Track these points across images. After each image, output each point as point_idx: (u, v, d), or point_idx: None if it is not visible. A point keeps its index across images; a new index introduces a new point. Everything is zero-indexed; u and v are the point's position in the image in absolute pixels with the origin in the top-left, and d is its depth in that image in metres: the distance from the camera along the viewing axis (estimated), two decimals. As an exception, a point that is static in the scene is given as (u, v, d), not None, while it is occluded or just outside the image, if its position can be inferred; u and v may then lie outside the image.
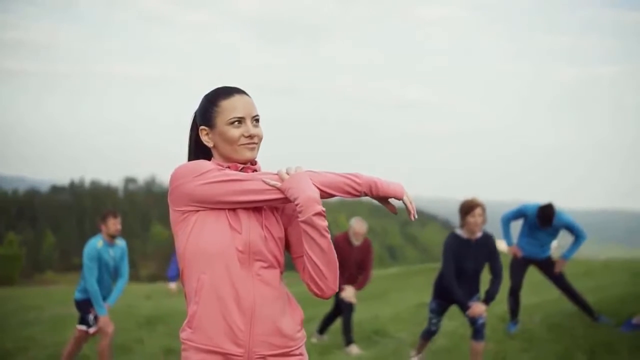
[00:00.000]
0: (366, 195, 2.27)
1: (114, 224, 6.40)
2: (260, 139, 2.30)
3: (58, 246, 61.48)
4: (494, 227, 7.39)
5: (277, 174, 2.22)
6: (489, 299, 5.64)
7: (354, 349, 7.37)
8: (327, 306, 8.03)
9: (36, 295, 16.87)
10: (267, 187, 2.19)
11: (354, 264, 7.48)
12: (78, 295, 6.48)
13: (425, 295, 7.39)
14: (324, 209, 2.16)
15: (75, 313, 6.73)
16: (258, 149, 2.31)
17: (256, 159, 2.33)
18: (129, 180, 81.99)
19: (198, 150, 2.36)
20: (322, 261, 2.19)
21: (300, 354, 2.30)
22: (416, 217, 2.32)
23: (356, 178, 2.26)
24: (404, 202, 2.30)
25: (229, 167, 2.26)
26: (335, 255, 2.23)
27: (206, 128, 2.30)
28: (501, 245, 7.75)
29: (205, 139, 2.31)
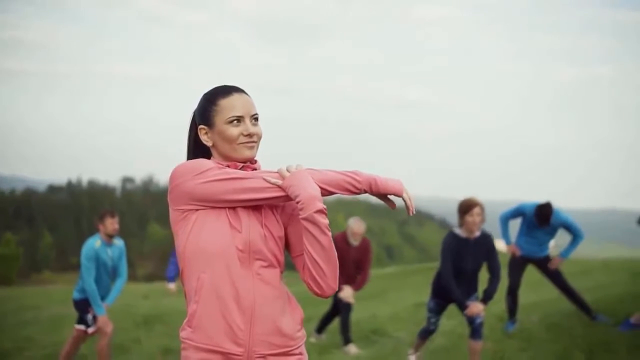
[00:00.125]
0: (366, 192, 2.27)
1: (111, 224, 6.39)
2: (260, 137, 2.30)
3: (55, 246, 61.35)
4: (493, 227, 7.40)
5: (277, 172, 2.22)
6: (487, 298, 5.64)
7: (352, 349, 7.37)
8: (327, 306, 8.03)
9: (34, 295, 16.85)
10: (268, 185, 2.18)
11: (352, 264, 7.46)
12: (76, 295, 6.46)
13: (424, 294, 7.40)
14: (325, 206, 2.16)
15: (73, 313, 6.72)
16: (257, 148, 2.31)
17: (256, 158, 2.33)
18: (127, 180, 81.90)
19: (197, 150, 2.36)
20: (323, 259, 2.19)
21: (300, 354, 2.29)
22: (414, 212, 2.33)
23: (356, 176, 2.25)
24: (403, 199, 2.30)
25: (228, 166, 2.25)
26: (336, 254, 2.23)
27: (205, 127, 2.30)
28: (500, 244, 7.76)
29: (205, 138, 2.31)
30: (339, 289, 7.32)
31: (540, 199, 7.18)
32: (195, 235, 2.18)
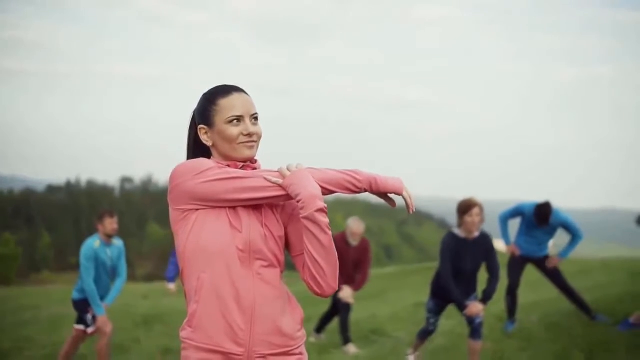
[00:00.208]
0: (366, 191, 2.27)
1: (110, 224, 6.38)
2: (260, 137, 2.30)
3: (54, 246, 61.29)
4: (493, 227, 7.40)
5: (278, 171, 2.22)
6: (486, 298, 5.64)
7: (351, 348, 7.36)
8: (327, 306, 8.03)
9: (33, 294, 16.82)
10: (269, 184, 2.18)
11: (351, 264, 7.45)
12: (76, 295, 6.46)
13: (423, 294, 7.40)
14: (325, 205, 2.16)
15: (72, 313, 6.72)
16: (257, 148, 2.31)
17: (256, 158, 2.32)
18: (125, 180, 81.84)
19: (197, 150, 2.35)
20: (323, 258, 2.18)
21: (301, 353, 2.29)
22: (414, 211, 2.33)
23: (356, 175, 2.25)
24: (403, 197, 2.30)
25: (228, 166, 2.25)
26: (336, 253, 2.22)
27: (205, 127, 2.30)
28: (499, 244, 7.76)
29: (204, 137, 2.31)
30: (339, 289, 7.32)
31: (540, 199, 7.18)
32: (195, 235, 2.18)
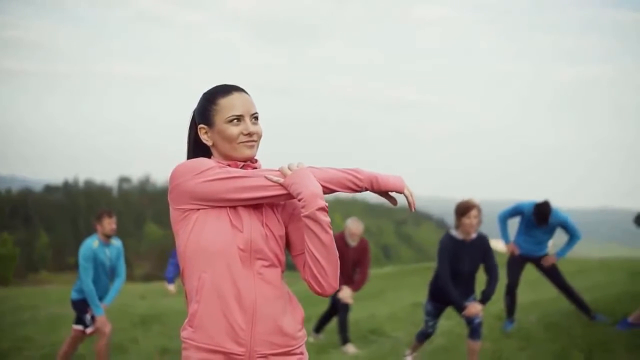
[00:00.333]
0: (367, 190, 2.27)
1: (109, 224, 6.37)
2: (260, 136, 2.29)
3: (52, 246, 61.24)
4: (493, 226, 7.40)
5: (279, 171, 2.21)
6: (485, 299, 5.64)
7: (350, 348, 7.36)
8: (327, 305, 8.02)
9: (31, 294, 16.77)
10: (270, 183, 2.18)
11: (350, 264, 7.44)
12: (74, 295, 6.45)
13: (421, 294, 7.39)
14: (327, 204, 2.16)
15: (71, 313, 6.71)
16: (257, 147, 2.30)
17: (256, 157, 2.32)
18: (123, 180, 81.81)
19: (197, 149, 2.35)
20: (324, 257, 2.18)
21: (301, 353, 2.29)
22: (415, 209, 2.33)
23: (357, 173, 2.25)
24: (405, 195, 2.29)
25: (229, 165, 2.24)
26: (337, 252, 2.22)
27: (205, 126, 2.29)
28: (497, 245, 7.76)
29: (205, 137, 2.30)
30: (338, 289, 7.31)
31: (540, 199, 7.17)
32: (196, 235, 2.17)
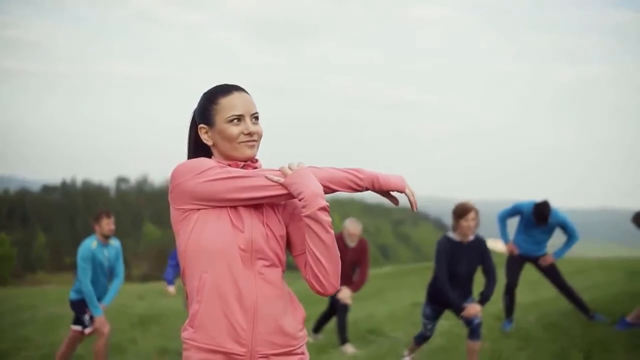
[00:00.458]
0: (368, 189, 2.27)
1: (107, 224, 6.36)
2: (260, 136, 2.29)
3: (49, 246, 61.22)
4: (492, 226, 7.40)
5: (279, 170, 2.20)
6: (483, 300, 5.63)
7: (349, 348, 7.35)
8: (327, 305, 8.02)
9: (30, 295, 16.76)
10: (271, 183, 2.17)
11: (349, 265, 7.42)
12: (73, 295, 6.44)
13: (420, 294, 7.38)
14: (327, 204, 2.15)
15: (69, 313, 6.70)
16: (258, 147, 2.30)
17: (257, 157, 2.31)
18: (121, 180, 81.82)
19: (197, 149, 2.34)
20: (325, 256, 2.17)
21: (302, 353, 2.28)
22: (417, 209, 2.33)
23: (358, 173, 2.25)
24: (406, 195, 2.29)
25: (229, 165, 2.24)
26: (338, 252, 2.21)
27: (205, 126, 2.28)
28: (497, 245, 7.75)
29: (205, 137, 2.29)
30: (338, 289, 7.30)
31: (540, 199, 7.17)
32: (196, 235, 2.17)
